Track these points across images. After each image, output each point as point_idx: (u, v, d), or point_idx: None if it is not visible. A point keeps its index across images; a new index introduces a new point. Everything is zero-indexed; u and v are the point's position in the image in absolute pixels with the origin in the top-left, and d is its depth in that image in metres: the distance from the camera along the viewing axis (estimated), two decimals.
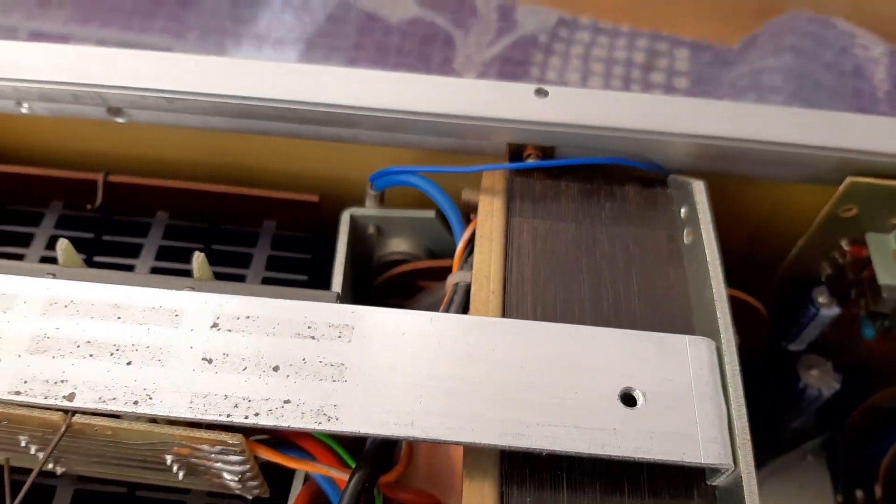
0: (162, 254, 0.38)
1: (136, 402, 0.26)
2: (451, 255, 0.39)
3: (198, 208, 0.38)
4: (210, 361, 0.27)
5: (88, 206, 0.37)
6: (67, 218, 0.39)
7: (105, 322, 0.28)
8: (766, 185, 0.37)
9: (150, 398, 0.26)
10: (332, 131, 0.36)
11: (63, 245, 0.31)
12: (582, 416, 0.26)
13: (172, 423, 0.26)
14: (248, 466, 0.28)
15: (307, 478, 0.30)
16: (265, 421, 0.26)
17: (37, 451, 0.29)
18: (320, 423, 0.26)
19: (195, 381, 0.26)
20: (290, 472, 0.30)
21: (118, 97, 0.35)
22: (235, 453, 0.27)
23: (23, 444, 0.28)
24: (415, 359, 0.27)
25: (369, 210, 0.37)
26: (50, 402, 0.26)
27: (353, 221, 0.37)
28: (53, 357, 0.27)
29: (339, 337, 0.28)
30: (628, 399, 0.27)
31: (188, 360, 0.27)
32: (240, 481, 0.29)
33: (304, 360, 0.27)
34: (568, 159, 0.35)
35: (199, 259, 0.30)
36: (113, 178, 0.37)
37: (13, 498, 0.28)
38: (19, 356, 0.27)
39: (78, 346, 0.27)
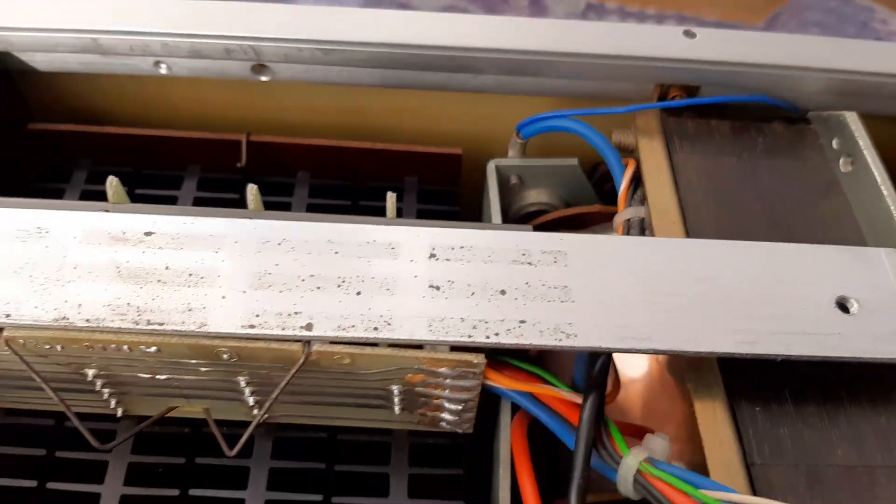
0: (311, 211, 0.37)
1: (375, 329, 0.26)
2: (586, 203, 0.40)
3: (339, 166, 0.38)
4: (438, 288, 0.27)
5: (238, 164, 0.37)
6: (208, 180, 0.38)
7: (324, 257, 0.27)
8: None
9: (389, 324, 0.26)
10: (479, 81, 0.36)
11: (253, 191, 0.31)
12: (806, 324, 0.27)
13: (411, 348, 0.26)
14: (475, 394, 0.28)
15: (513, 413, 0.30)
16: (506, 340, 0.26)
17: (252, 393, 0.28)
18: (560, 339, 0.26)
19: (428, 307, 0.26)
20: (493, 410, 0.30)
21: (273, 50, 0.35)
22: (472, 376, 0.27)
23: (242, 384, 0.28)
24: (634, 279, 0.28)
25: (513, 160, 0.38)
26: (288, 333, 0.26)
27: (498, 173, 0.38)
28: (280, 291, 0.27)
29: (555, 262, 0.28)
30: (843, 307, 0.28)
31: (415, 288, 0.27)
32: (459, 412, 0.29)
33: (527, 284, 0.27)
34: (715, 97, 0.36)
35: (392, 198, 0.30)
36: (255, 138, 0.37)
37: (231, 447, 0.28)
38: (244, 292, 0.26)
39: (302, 280, 0.27)
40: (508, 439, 0.30)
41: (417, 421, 0.31)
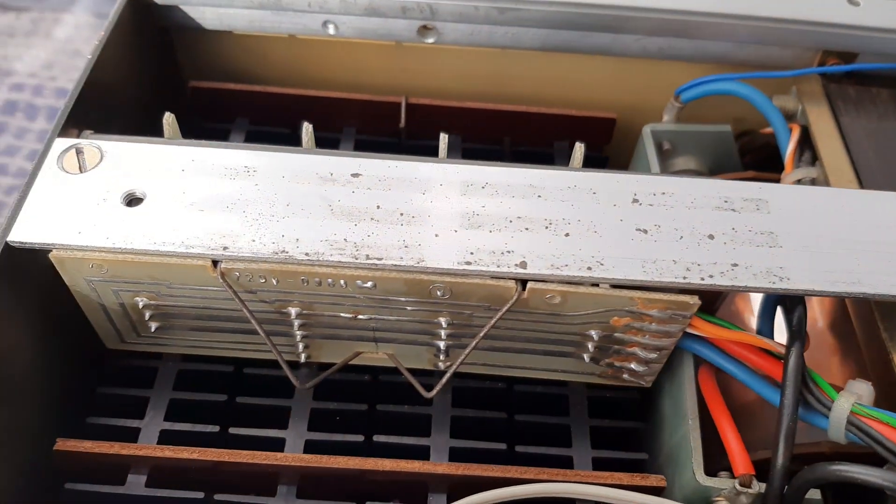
0: None
1: (589, 268, 0.26)
2: (731, 171, 0.40)
3: (492, 130, 0.38)
4: (645, 232, 0.27)
5: (401, 125, 0.37)
6: (364, 142, 0.39)
7: (528, 200, 0.28)
8: None
9: (602, 264, 0.26)
10: (640, 44, 0.36)
11: (445, 138, 0.31)
12: None
13: (623, 288, 0.26)
14: (673, 342, 0.28)
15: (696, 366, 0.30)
16: (720, 282, 0.26)
17: (448, 336, 0.28)
18: (773, 283, 0.26)
19: (638, 249, 0.26)
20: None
21: (449, 8, 0.35)
22: (681, 320, 0.27)
23: (441, 325, 0.28)
24: (836, 226, 0.28)
25: (668, 125, 0.38)
26: (503, 270, 0.26)
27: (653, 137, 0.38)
28: (490, 231, 0.27)
29: (758, 210, 0.28)
30: None
31: (622, 230, 0.27)
32: (650, 362, 0.29)
33: (733, 229, 0.27)
34: (879, 64, 0.36)
35: (579, 150, 0.30)
36: (413, 101, 0.37)
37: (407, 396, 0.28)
38: (455, 231, 0.27)
39: (510, 222, 0.27)
40: (694, 392, 0.30)
41: (600, 373, 0.30)
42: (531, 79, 0.39)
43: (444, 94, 0.39)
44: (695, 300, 0.26)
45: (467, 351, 0.27)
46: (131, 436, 0.29)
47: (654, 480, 0.28)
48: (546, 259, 0.26)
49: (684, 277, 0.26)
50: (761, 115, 0.38)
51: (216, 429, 0.29)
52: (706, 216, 0.28)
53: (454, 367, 0.28)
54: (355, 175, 0.28)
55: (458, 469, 0.27)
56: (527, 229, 0.27)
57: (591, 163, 0.39)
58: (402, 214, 0.27)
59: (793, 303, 0.29)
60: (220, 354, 0.31)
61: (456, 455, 0.29)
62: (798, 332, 0.28)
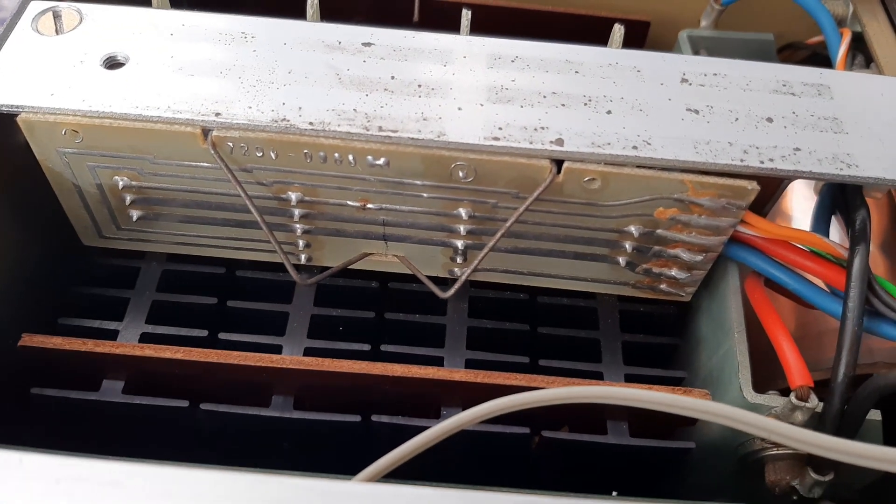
0: None
1: (634, 147, 0.23)
2: None
3: (515, 31, 0.35)
4: (697, 112, 0.24)
5: (414, 20, 0.34)
6: None
7: (564, 75, 0.24)
8: None
9: (649, 143, 0.23)
10: None
11: (468, 15, 0.27)
12: None
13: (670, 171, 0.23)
14: (722, 240, 0.25)
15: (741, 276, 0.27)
16: (782, 166, 0.23)
17: (468, 233, 0.25)
18: (840, 169, 0.23)
19: (690, 129, 0.23)
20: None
21: None
22: (735, 210, 0.23)
23: (461, 217, 0.24)
24: None
25: (706, 31, 0.35)
26: (536, 147, 0.23)
27: (690, 44, 0.34)
28: (521, 107, 0.23)
29: (819, 95, 0.25)
30: None
31: (671, 110, 0.24)
32: (694, 267, 0.26)
33: (794, 113, 0.24)
34: None
35: (618, 32, 0.27)
36: None
37: (418, 304, 0.25)
38: (481, 105, 0.23)
39: (544, 97, 0.24)
40: (740, 304, 0.27)
41: (635, 282, 0.27)
42: None
43: None
44: (753, 185, 0.23)
45: (492, 242, 0.24)
46: (108, 338, 0.26)
47: (697, 395, 0.25)
48: (585, 137, 0.23)
49: (742, 160, 0.23)
50: (802, 28, 0.35)
51: (204, 333, 0.26)
52: (763, 98, 0.24)
53: (476, 262, 0.24)
54: (366, 44, 0.25)
55: (476, 377, 0.24)
56: (563, 105, 0.24)
57: None
58: (420, 86, 0.24)
59: (854, 201, 0.25)
60: (210, 255, 0.27)
61: (472, 366, 0.26)
62: (862, 234, 0.25)
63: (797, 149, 0.23)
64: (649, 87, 0.24)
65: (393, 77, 0.24)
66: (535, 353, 0.27)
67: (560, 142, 0.23)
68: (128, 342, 0.25)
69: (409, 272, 0.27)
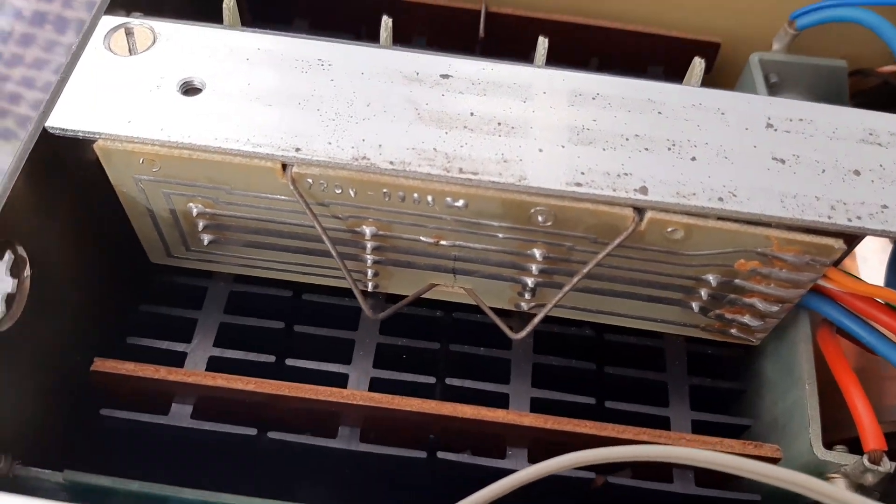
0: None
1: (720, 199, 0.22)
2: None
3: (579, 48, 0.34)
4: (783, 162, 0.23)
5: (480, 36, 0.33)
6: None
7: (646, 116, 0.24)
8: None
9: (735, 195, 0.22)
10: None
11: (545, 43, 0.27)
12: None
13: (755, 224, 0.23)
14: (801, 293, 0.24)
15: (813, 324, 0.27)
16: (871, 225, 0.22)
17: (540, 272, 0.25)
18: None
19: (775, 181, 0.23)
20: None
21: None
22: (818, 267, 0.23)
23: (535, 258, 0.24)
24: None
25: (778, 55, 0.34)
26: (620, 195, 0.22)
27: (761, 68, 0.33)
28: (604, 150, 0.23)
29: None
30: None
31: (757, 158, 0.23)
32: (768, 315, 0.25)
33: (881, 166, 0.23)
34: None
35: (699, 66, 0.26)
36: (494, 9, 0.33)
37: (480, 337, 0.25)
38: (563, 147, 0.23)
39: (626, 140, 0.23)
40: (811, 353, 0.26)
41: (705, 325, 0.27)
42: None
43: (528, 4, 0.34)
44: (840, 244, 0.22)
45: (567, 288, 0.24)
46: (176, 360, 0.26)
47: (768, 451, 0.24)
48: (670, 185, 0.22)
49: (829, 217, 0.22)
50: (875, 53, 0.34)
51: (272, 359, 0.26)
52: (850, 149, 0.24)
53: (549, 306, 0.24)
54: (444, 76, 0.24)
55: (546, 422, 0.24)
56: (646, 149, 0.23)
57: None
58: (499, 124, 0.23)
59: None
60: (277, 277, 0.27)
61: (538, 406, 0.26)
62: None
63: (885, 206, 0.23)
64: (734, 133, 0.24)
65: (472, 114, 0.23)
66: (602, 394, 0.27)
67: (644, 190, 0.22)
68: (196, 367, 0.26)
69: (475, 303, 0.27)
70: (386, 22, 0.26)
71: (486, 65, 0.25)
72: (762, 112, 0.24)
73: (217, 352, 0.26)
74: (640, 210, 0.22)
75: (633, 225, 0.22)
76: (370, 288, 0.27)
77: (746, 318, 0.26)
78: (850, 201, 0.23)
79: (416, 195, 0.22)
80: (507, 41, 0.34)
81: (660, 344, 0.28)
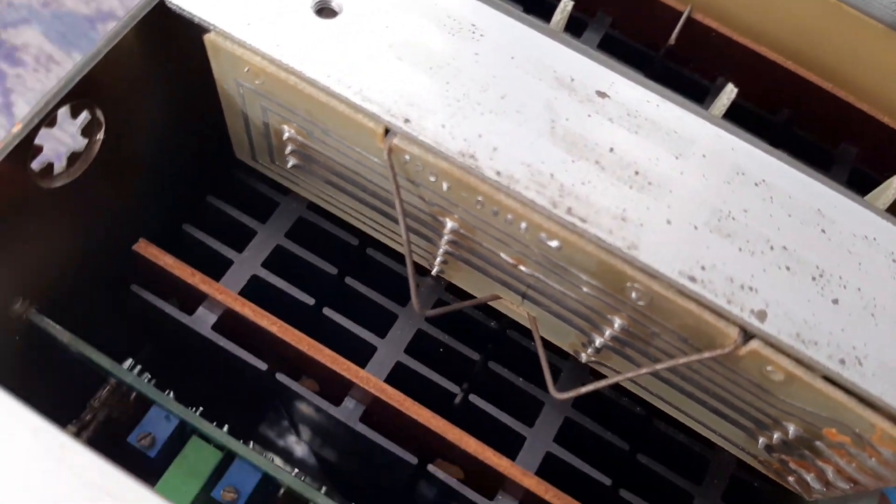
0: None
1: (842, 361, 0.18)
2: None
3: (775, 93, 0.30)
4: None
5: (670, 42, 0.29)
6: (612, 39, 0.31)
7: (806, 228, 0.20)
8: None
9: (860, 363, 0.18)
10: None
11: (732, 91, 0.23)
12: None
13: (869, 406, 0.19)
14: (881, 485, 0.21)
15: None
16: None
17: (612, 339, 0.22)
18: None
19: None
20: None
21: None
22: None
23: (613, 325, 0.21)
24: None
25: None
26: (734, 310, 0.18)
27: None
28: (740, 249, 0.19)
29: None
30: None
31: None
32: (834, 486, 0.22)
33: None
34: None
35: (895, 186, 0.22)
36: (698, 17, 0.29)
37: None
38: (696, 228, 0.19)
39: (771, 248, 0.19)
40: None
41: (763, 459, 0.24)
42: (869, 62, 0.29)
43: (739, 24, 0.30)
44: None
45: (628, 375, 0.21)
46: (221, 266, 0.25)
47: None
48: (794, 321, 0.19)
49: None
50: None
51: (311, 301, 0.25)
52: None
53: (604, 383, 0.22)
54: (601, 94, 0.21)
55: (546, 492, 0.22)
56: (787, 269, 0.19)
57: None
58: (637, 173, 0.20)
59: None
60: (349, 221, 0.26)
61: (551, 463, 0.24)
62: None
63: None
64: None
65: (612, 149, 0.20)
66: (622, 479, 0.24)
67: (762, 315, 0.19)
68: (238, 280, 0.25)
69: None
70: (565, 5, 0.22)
71: (652, 97, 0.21)
72: None
73: (263, 273, 0.25)
74: (747, 334, 0.19)
75: (732, 347, 0.19)
76: (434, 272, 0.25)
77: (811, 477, 0.22)
78: None
79: (510, 216, 0.20)
80: (699, 55, 0.30)
81: (708, 454, 0.25)
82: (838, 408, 0.19)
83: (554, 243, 0.20)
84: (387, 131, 0.20)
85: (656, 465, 0.24)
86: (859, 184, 0.29)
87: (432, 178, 0.20)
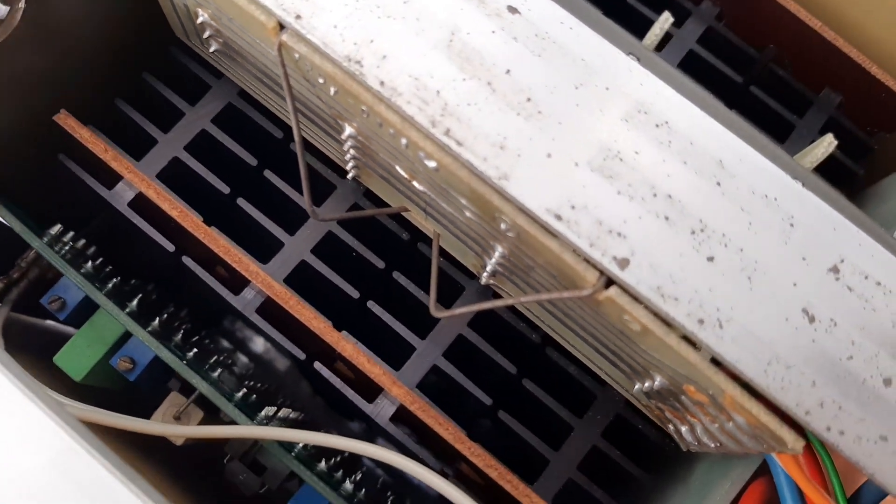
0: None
1: (700, 321, 0.18)
2: None
3: (756, 25, 0.27)
4: (812, 320, 0.18)
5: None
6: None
7: (700, 180, 0.19)
8: None
9: (721, 326, 0.18)
10: None
11: (667, 20, 0.21)
12: None
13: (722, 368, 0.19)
14: (743, 451, 0.20)
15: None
16: (847, 448, 0.18)
17: (499, 266, 0.22)
18: None
19: (784, 338, 0.18)
20: None
21: None
22: (766, 448, 0.19)
23: (495, 251, 0.21)
24: None
25: None
26: (595, 255, 0.18)
27: None
28: (619, 192, 0.18)
29: None
30: None
31: (784, 299, 0.18)
32: (702, 443, 0.22)
33: None
34: None
35: (825, 144, 0.20)
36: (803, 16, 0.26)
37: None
38: (576, 165, 0.19)
39: (654, 196, 0.18)
40: (729, 498, 0.23)
41: (645, 404, 0.24)
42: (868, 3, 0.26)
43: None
44: (796, 443, 0.18)
45: (500, 303, 0.21)
46: (145, 143, 0.25)
47: None
48: (658, 275, 0.18)
49: (807, 413, 0.18)
50: None
51: (226, 190, 0.25)
52: None
53: (477, 307, 0.21)
54: (512, 10, 0.19)
55: (412, 403, 0.23)
56: (666, 219, 0.19)
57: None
58: (529, 100, 0.19)
59: None
60: (275, 112, 0.26)
61: (436, 374, 0.24)
62: None
63: (884, 438, 0.18)
64: (785, 254, 0.18)
65: (508, 71, 0.19)
66: (503, 401, 0.24)
67: (625, 263, 0.18)
68: (158, 160, 0.25)
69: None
70: None
71: (568, 19, 0.19)
72: (840, 249, 0.19)
73: (184, 156, 0.25)
74: (608, 280, 0.19)
75: (590, 290, 0.19)
76: (349, 176, 0.25)
77: (684, 430, 0.22)
78: (848, 410, 0.18)
79: (391, 130, 0.19)
80: (743, 18, 0.27)
81: (597, 391, 0.25)
82: (690, 369, 0.19)
83: (431, 164, 0.19)
84: (281, 27, 0.20)
85: (540, 391, 0.25)
86: (837, 134, 0.27)
87: (321, 81, 0.20)
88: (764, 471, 0.23)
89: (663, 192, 0.19)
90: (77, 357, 0.25)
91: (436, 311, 0.22)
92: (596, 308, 0.19)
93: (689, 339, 0.18)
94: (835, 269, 0.19)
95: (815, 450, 0.21)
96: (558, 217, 0.18)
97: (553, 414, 0.24)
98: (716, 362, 0.18)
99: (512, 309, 0.25)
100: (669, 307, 0.18)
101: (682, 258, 0.18)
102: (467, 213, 0.21)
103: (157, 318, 0.25)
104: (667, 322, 0.18)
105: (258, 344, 0.26)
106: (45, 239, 0.25)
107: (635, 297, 0.18)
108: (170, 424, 0.24)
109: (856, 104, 0.27)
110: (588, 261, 0.18)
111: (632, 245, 0.18)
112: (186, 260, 0.24)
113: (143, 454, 0.24)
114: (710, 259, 0.18)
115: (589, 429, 0.24)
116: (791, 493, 0.22)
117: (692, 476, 0.25)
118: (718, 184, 0.19)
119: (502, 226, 0.19)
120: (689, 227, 0.19)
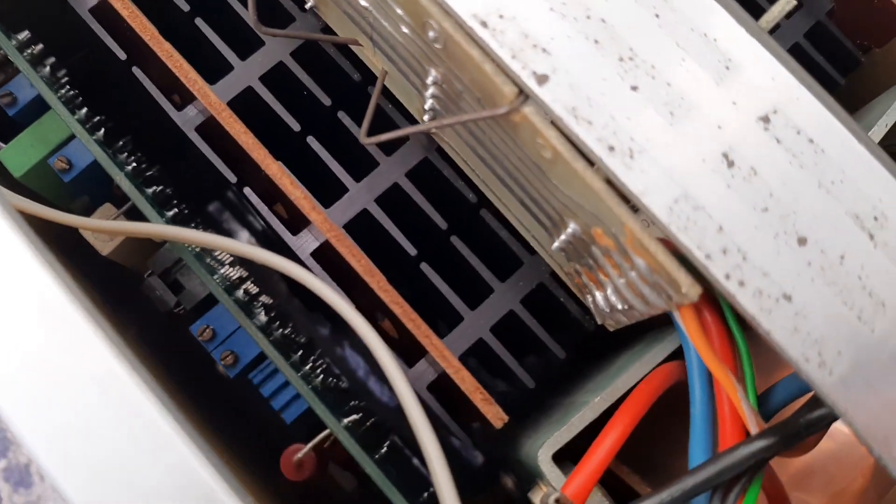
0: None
1: (611, 148, 0.17)
2: None
3: None
4: (731, 165, 0.17)
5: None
6: None
7: (639, 7, 0.18)
8: None
9: (632, 157, 0.17)
10: None
11: None
12: None
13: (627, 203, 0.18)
14: (647, 313, 0.19)
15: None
16: (745, 300, 0.17)
17: (432, 97, 0.21)
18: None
19: (696, 179, 0.17)
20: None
21: None
22: (665, 299, 0.18)
23: (429, 78, 0.20)
24: None
25: None
26: (513, 67, 0.17)
27: None
28: (552, 9, 0.17)
29: None
30: None
31: (702, 137, 0.17)
32: (613, 310, 0.21)
33: (862, 268, 0.17)
34: None
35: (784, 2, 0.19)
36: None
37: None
38: None
39: (588, 17, 0.17)
40: (638, 377, 0.22)
41: (567, 271, 0.23)
42: None
43: None
44: (691, 289, 0.17)
45: (431, 126, 0.20)
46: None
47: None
48: (577, 95, 0.17)
49: (707, 257, 0.17)
50: None
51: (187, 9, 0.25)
52: (828, 211, 0.17)
53: (413, 130, 0.21)
54: None
55: (329, 230, 0.22)
56: (595, 42, 0.18)
57: None
58: None
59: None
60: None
61: (365, 218, 0.24)
62: (790, 428, 0.19)
63: (788, 297, 0.17)
64: (714, 95, 0.17)
65: None
66: (428, 255, 0.24)
67: (543, 79, 0.17)
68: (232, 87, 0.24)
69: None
70: None
71: None
72: (774, 99, 0.18)
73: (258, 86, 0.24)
74: (525, 97, 0.18)
75: (507, 108, 0.18)
76: (308, 5, 0.24)
77: (598, 295, 0.21)
78: (753, 261, 0.17)
79: None
80: None
81: (525, 258, 0.24)
82: (593, 199, 0.18)
83: None
84: None
85: (466, 250, 0.24)
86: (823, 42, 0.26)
87: None
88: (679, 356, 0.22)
89: (597, 16, 0.18)
90: (20, 154, 0.25)
91: (364, 139, 0.22)
92: (514, 135, 0.19)
93: (592, 168, 0.18)
94: (765, 119, 0.18)
95: (729, 326, 0.20)
96: (484, 24, 0.18)
97: (475, 274, 0.24)
98: (617, 194, 0.18)
99: (452, 165, 0.24)
100: (581, 129, 0.17)
101: (605, 83, 0.17)
102: (403, 29, 0.20)
103: (103, 128, 0.25)
104: (576, 146, 0.18)
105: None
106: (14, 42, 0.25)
107: (551, 118, 0.18)
108: (104, 221, 0.24)
109: (846, 13, 0.26)
110: (508, 74, 0.18)
111: (554, 63, 0.17)
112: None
113: (70, 261, 0.24)
114: (634, 88, 0.18)
115: (509, 293, 0.24)
116: (700, 375, 0.21)
117: (612, 366, 0.24)
118: (657, 15, 0.18)
119: (431, 33, 0.18)
120: (618, 54, 0.18)
